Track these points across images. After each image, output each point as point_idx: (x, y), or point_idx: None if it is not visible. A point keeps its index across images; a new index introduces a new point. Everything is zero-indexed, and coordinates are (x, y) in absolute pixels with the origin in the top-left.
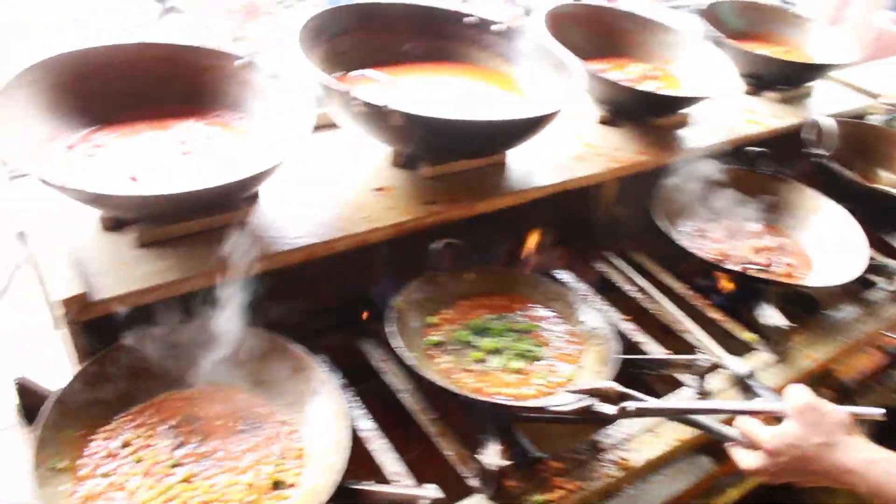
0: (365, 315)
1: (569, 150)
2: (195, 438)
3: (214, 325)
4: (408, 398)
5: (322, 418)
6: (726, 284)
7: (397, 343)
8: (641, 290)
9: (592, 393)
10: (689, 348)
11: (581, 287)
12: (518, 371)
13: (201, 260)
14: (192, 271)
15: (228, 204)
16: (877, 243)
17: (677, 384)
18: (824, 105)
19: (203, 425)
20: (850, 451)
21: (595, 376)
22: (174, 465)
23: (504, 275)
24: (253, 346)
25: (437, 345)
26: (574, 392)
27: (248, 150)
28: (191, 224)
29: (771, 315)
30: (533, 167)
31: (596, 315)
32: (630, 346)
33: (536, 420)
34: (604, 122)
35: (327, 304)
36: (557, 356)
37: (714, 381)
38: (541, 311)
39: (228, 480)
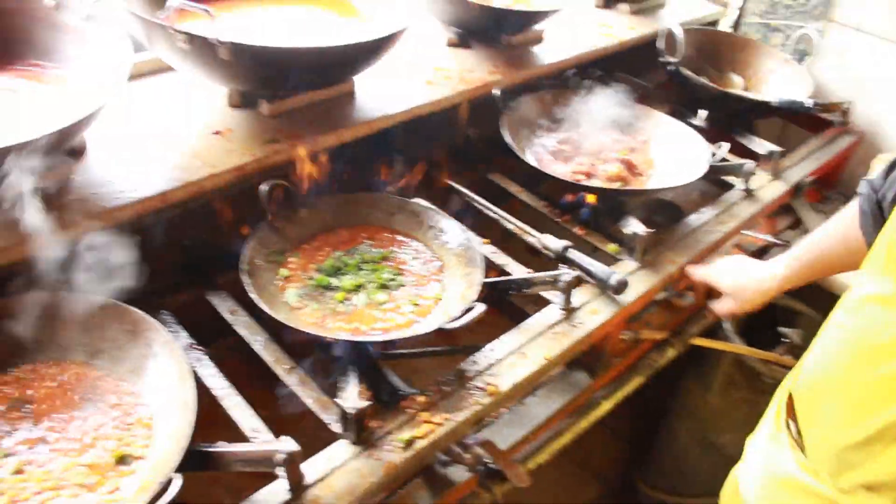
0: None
1: (419, 75)
2: (26, 423)
3: (38, 297)
4: (262, 349)
5: (165, 382)
6: (586, 200)
7: (258, 299)
8: (498, 210)
9: None
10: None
11: (435, 210)
12: (383, 303)
13: (15, 227)
14: (6, 241)
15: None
16: (735, 146)
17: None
18: (676, 15)
19: (36, 408)
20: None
21: (462, 290)
22: (4, 457)
23: (343, 206)
24: (84, 313)
25: (299, 296)
26: None
27: (62, 102)
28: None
29: (630, 224)
30: (381, 95)
31: (451, 227)
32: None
33: (408, 356)
34: (453, 44)
35: (170, 261)
36: (420, 278)
37: (580, 296)
38: (391, 237)
39: (66, 464)
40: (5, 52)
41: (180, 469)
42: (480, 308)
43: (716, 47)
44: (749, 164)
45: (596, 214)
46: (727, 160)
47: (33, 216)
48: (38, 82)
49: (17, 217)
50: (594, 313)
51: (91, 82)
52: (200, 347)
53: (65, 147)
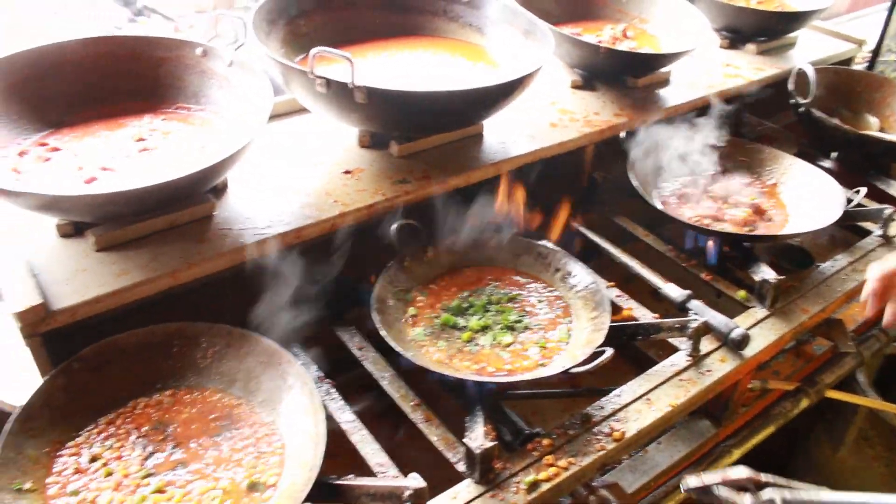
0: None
1: (544, 117)
2: (168, 446)
3: (183, 326)
4: (388, 385)
5: (297, 414)
6: (713, 244)
7: (387, 337)
8: (623, 255)
9: (724, 483)
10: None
11: (562, 252)
12: (509, 344)
13: (166, 260)
14: (155, 272)
15: (191, 198)
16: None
17: (670, 349)
18: (808, 54)
19: (176, 431)
20: None
21: (588, 333)
22: (146, 476)
23: (470, 246)
24: (224, 344)
25: (426, 334)
26: (699, 488)
27: (207, 143)
28: (152, 223)
29: (761, 270)
30: (507, 138)
31: (578, 269)
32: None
33: (529, 397)
34: (577, 86)
35: (302, 296)
36: (546, 321)
37: (708, 343)
38: (517, 278)
39: (203, 487)
40: (157, 96)
41: (308, 499)
42: (608, 353)
43: (849, 87)
44: (888, 209)
45: (723, 259)
46: (863, 205)
47: (185, 250)
48: (186, 124)
49: (164, 249)
50: (722, 361)
51: (234, 124)
52: (329, 380)
53: (210, 184)
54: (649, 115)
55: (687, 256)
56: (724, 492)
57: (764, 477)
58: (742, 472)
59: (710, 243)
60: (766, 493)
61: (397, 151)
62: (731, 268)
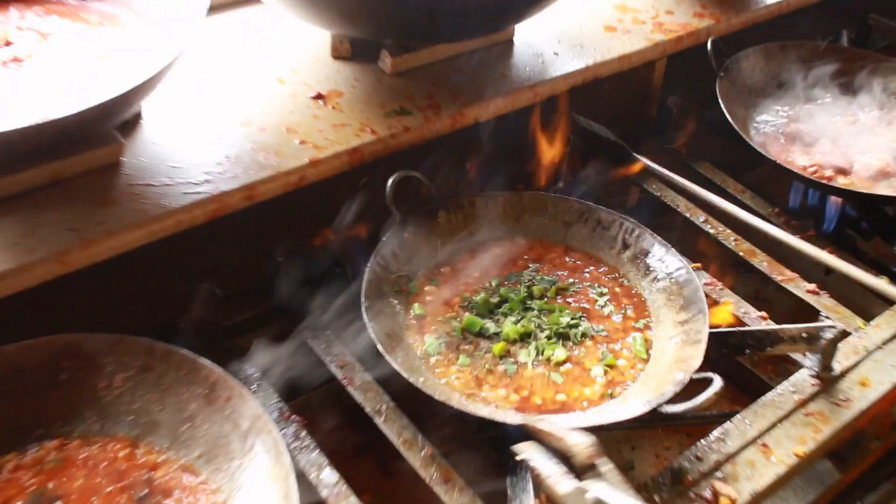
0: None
1: (596, 20)
2: None
3: (76, 339)
4: (385, 425)
5: (253, 477)
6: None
7: (386, 354)
8: (710, 218)
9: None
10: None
11: (632, 222)
12: (562, 363)
13: (48, 234)
14: (32, 254)
15: (88, 139)
16: None
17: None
18: None
19: None
20: None
21: (677, 347)
22: None
23: (500, 210)
24: (140, 367)
25: (439, 345)
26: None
27: (111, 51)
28: (27, 176)
29: None
30: (545, 48)
31: (657, 248)
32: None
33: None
34: None
35: (253, 286)
36: (613, 325)
37: (843, 355)
38: (567, 259)
39: None
40: None
41: None
42: (716, 384)
43: None
44: None
45: (843, 225)
46: None
47: (78, 219)
48: (79, 23)
49: (47, 218)
50: (864, 385)
51: (153, 22)
52: (297, 418)
53: (118, 119)
54: (743, 15)
55: (790, 219)
56: (549, 468)
57: (599, 462)
58: (584, 441)
59: (833, 203)
60: (586, 485)
61: (391, 66)
62: (854, 237)
